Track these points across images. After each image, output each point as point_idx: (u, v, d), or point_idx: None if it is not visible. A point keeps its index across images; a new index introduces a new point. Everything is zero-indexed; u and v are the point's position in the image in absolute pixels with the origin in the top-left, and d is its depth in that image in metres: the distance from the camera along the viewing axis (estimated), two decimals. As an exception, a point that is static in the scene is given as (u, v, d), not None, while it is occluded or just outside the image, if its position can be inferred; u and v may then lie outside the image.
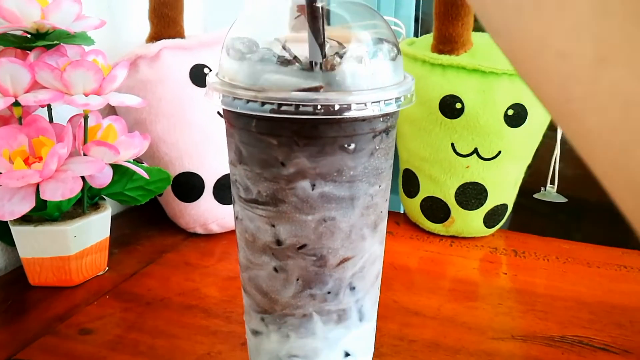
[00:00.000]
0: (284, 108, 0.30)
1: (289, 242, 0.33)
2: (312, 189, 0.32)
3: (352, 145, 0.32)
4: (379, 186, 0.35)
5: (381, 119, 0.33)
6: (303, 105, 0.30)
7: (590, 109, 0.14)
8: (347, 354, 0.37)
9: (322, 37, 0.30)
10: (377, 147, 0.33)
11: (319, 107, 0.30)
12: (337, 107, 0.30)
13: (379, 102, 0.31)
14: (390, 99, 0.31)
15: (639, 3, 0.13)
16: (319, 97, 0.30)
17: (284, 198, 0.33)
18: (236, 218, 0.36)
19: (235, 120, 0.33)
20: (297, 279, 0.34)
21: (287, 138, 0.31)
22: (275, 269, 0.35)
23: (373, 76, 0.31)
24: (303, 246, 0.33)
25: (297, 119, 0.30)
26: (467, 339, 0.45)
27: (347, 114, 0.30)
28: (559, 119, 0.16)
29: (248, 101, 0.31)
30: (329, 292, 0.34)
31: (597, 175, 0.15)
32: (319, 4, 0.30)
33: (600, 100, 0.14)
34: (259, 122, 0.32)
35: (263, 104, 0.30)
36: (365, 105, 0.31)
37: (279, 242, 0.34)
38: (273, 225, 0.34)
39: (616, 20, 0.13)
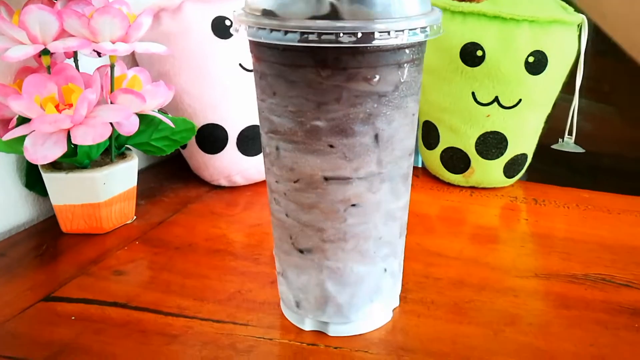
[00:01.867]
0: (306, 37, 0.30)
1: (310, 174, 0.34)
2: (334, 122, 0.33)
3: (376, 77, 0.32)
4: (404, 122, 0.35)
5: (406, 51, 0.33)
6: (325, 34, 0.30)
7: None
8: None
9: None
10: (402, 80, 0.34)
11: (341, 34, 0.30)
12: (359, 35, 0.30)
13: (403, 31, 0.31)
14: (416, 28, 0.32)
15: None
16: (341, 24, 0.30)
17: (306, 130, 0.33)
18: (264, 151, 0.37)
19: (260, 53, 0.34)
20: (315, 210, 0.35)
21: (310, 69, 0.32)
22: (296, 201, 0.35)
23: (399, 4, 0.31)
24: (325, 178, 0.34)
25: (320, 48, 0.30)
26: (492, 277, 0.46)
27: (370, 43, 0.30)
28: None
29: (272, 30, 0.31)
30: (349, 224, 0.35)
31: None
32: None
33: None
34: (282, 52, 0.32)
35: (286, 32, 0.30)
36: (389, 33, 0.31)
37: (300, 173, 0.34)
38: (296, 157, 0.34)
39: None
